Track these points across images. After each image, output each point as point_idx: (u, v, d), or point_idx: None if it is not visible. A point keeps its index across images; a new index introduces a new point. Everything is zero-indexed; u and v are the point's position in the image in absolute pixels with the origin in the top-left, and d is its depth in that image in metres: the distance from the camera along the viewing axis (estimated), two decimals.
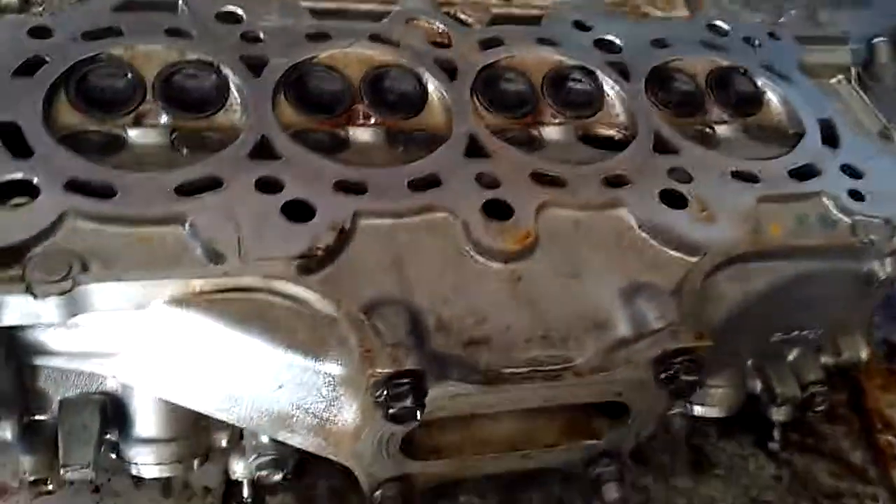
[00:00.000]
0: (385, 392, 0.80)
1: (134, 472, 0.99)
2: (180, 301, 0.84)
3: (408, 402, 0.80)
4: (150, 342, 0.88)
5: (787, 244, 1.03)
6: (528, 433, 1.00)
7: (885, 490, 1.23)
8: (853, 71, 1.36)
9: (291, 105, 1.05)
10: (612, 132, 1.15)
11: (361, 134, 1.05)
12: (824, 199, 1.09)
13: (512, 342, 0.90)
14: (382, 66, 1.11)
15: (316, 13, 1.16)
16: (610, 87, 1.17)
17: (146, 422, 0.99)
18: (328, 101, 1.07)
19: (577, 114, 1.14)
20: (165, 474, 1.00)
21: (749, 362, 1.23)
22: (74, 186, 0.89)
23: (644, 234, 1.00)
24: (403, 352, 0.82)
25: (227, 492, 1.14)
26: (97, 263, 0.84)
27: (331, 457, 0.96)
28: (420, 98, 1.10)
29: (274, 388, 0.88)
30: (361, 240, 0.93)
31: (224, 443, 1.04)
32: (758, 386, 1.24)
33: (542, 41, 1.20)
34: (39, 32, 1.04)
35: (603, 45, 1.23)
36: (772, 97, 1.24)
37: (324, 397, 0.88)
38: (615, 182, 1.05)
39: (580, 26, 1.25)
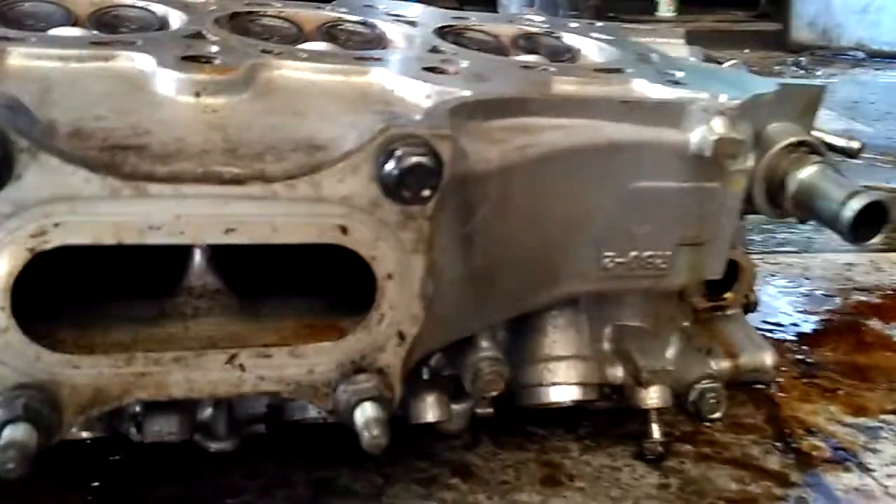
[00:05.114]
0: None
1: None
2: None
3: None
4: None
5: (584, 94, 0.82)
6: (239, 333, 0.70)
7: (814, 492, 0.88)
8: None
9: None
10: None
11: (68, 31, 0.87)
12: (638, 86, 0.90)
13: (179, 151, 0.65)
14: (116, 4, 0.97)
15: None
16: (393, 32, 1.03)
17: None
18: (42, 24, 0.91)
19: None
20: None
21: (607, 346, 0.96)
22: None
23: (399, 94, 0.79)
24: None
25: None
26: None
27: None
28: (159, 24, 0.95)
29: None
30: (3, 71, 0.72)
31: None
32: (619, 371, 0.95)
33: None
34: None
35: (395, 16, 1.11)
36: (588, 51, 1.09)
37: None
38: (368, 59, 0.86)
39: (369, 6, 1.14)
